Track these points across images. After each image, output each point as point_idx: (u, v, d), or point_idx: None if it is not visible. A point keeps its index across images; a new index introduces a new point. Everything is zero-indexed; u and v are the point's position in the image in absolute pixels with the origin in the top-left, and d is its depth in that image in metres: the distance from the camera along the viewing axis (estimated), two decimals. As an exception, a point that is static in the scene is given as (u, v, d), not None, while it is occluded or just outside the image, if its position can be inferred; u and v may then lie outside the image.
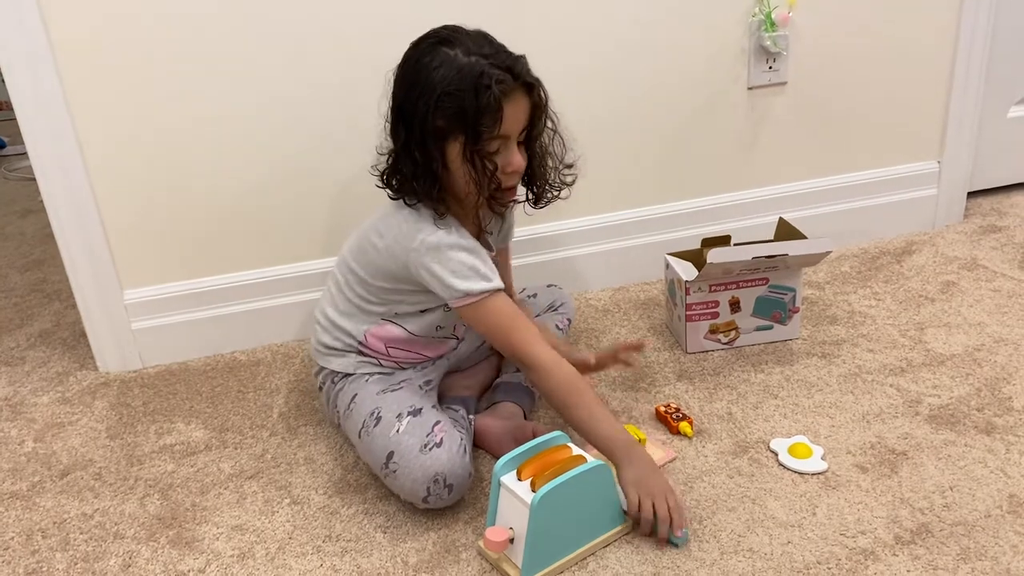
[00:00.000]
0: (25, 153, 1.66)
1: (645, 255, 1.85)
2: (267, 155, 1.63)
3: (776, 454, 1.32)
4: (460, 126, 1.16)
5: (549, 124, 1.26)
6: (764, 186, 1.92)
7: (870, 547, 1.13)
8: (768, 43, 1.76)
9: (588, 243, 1.85)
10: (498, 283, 1.24)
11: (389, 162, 1.26)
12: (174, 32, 1.51)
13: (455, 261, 1.22)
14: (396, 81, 1.22)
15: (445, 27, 1.21)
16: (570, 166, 1.32)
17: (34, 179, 1.59)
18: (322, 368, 1.40)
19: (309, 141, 1.63)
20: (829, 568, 1.10)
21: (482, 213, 1.34)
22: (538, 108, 1.23)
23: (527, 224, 1.73)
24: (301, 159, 1.64)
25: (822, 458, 1.30)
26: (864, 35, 1.85)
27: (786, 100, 1.85)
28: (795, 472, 1.28)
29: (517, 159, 1.23)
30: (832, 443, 1.34)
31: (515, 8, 1.62)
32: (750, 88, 1.82)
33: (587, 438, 1.22)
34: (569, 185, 1.33)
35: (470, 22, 1.22)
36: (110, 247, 1.62)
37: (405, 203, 1.25)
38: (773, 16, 1.74)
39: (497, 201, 1.26)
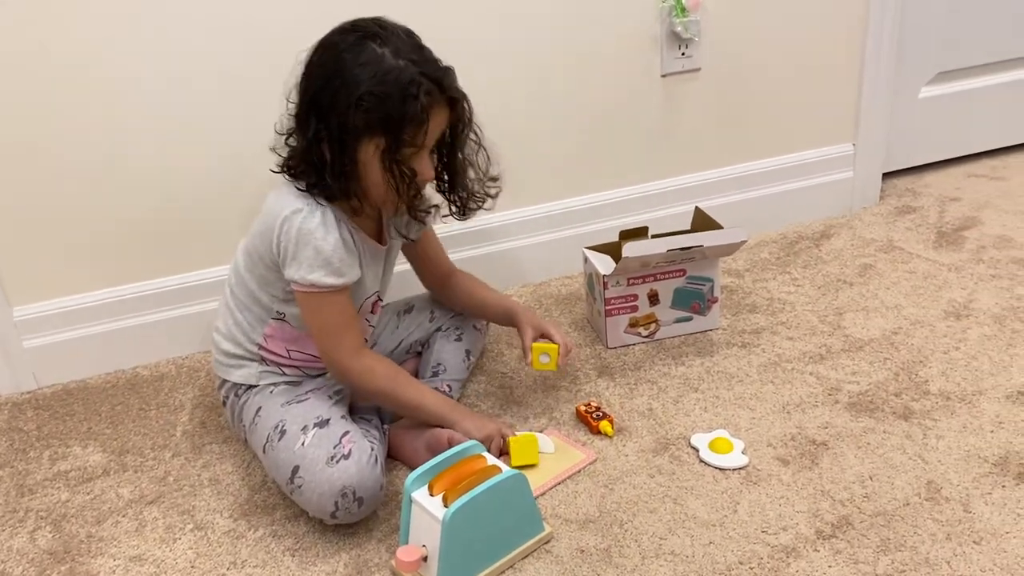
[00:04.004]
0: None
1: (565, 249, 1.81)
2: (158, 160, 1.54)
3: (697, 450, 1.29)
4: (380, 129, 1.13)
5: (473, 137, 1.24)
6: (681, 175, 1.89)
7: (791, 543, 1.11)
8: (680, 29, 1.73)
9: (507, 238, 1.80)
10: (347, 281, 1.21)
11: (294, 146, 1.20)
12: (50, 34, 1.41)
13: (312, 248, 1.16)
14: (312, 68, 1.16)
15: (374, 20, 1.16)
16: (494, 179, 1.30)
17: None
18: (224, 381, 1.33)
19: (201, 146, 1.55)
20: (751, 568, 1.08)
21: (389, 216, 1.30)
22: (460, 122, 1.21)
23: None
24: (192, 164, 1.55)
25: (743, 452, 1.28)
26: (775, 19, 1.83)
27: (700, 87, 1.83)
28: (716, 468, 1.26)
29: (428, 170, 1.21)
30: (753, 436, 1.32)
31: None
32: (663, 75, 1.79)
33: (417, 413, 1.28)
34: (493, 197, 1.31)
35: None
36: (-7, 263, 1.52)
37: (299, 189, 1.20)
38: (684, 1, 1.71)
39: (416, 208, 1.24)
